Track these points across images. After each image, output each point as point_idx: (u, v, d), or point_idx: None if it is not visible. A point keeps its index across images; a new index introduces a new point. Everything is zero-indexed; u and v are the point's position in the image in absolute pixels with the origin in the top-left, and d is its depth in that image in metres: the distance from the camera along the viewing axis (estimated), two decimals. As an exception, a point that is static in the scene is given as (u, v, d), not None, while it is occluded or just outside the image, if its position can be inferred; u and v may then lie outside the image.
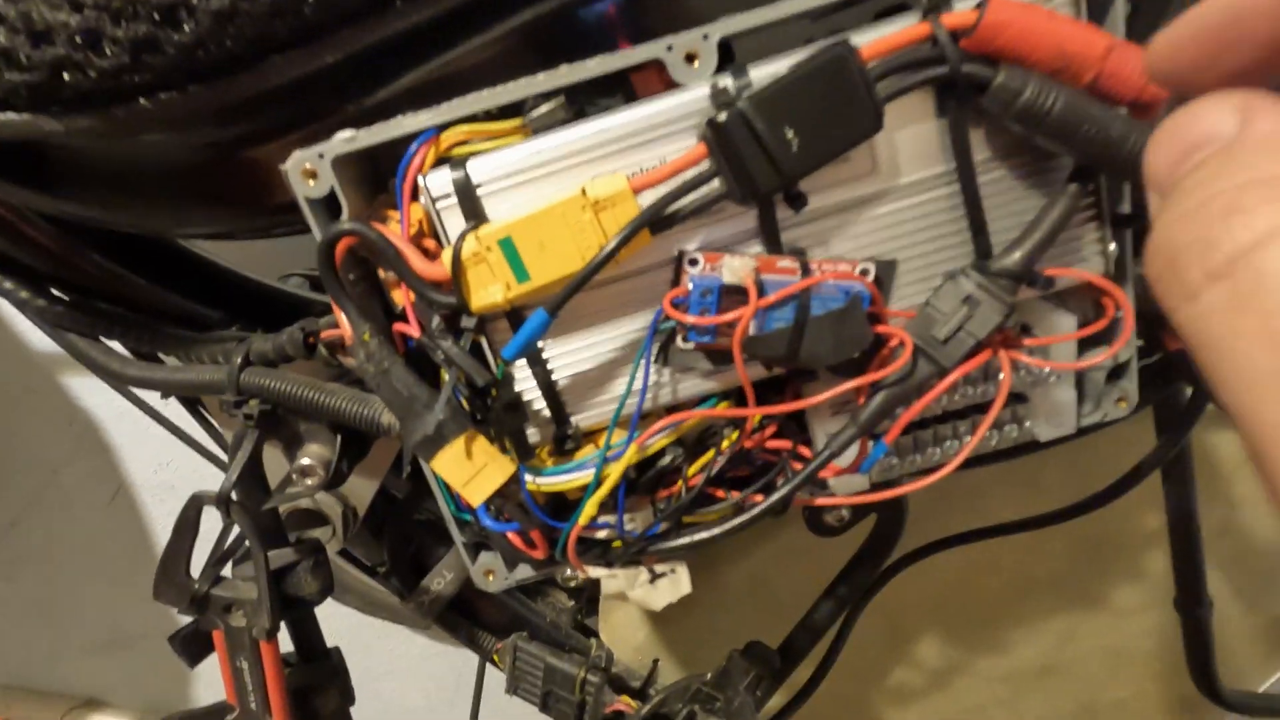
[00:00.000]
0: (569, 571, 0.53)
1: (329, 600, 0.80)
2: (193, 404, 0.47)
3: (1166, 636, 0.54)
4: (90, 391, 0.83)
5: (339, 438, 0.37)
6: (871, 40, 0.23)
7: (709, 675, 0.46)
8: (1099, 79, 0.22)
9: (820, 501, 0.29)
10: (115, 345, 0.44)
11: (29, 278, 0.42)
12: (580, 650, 0.53)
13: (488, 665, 0.66)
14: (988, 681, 0.60)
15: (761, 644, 0.45)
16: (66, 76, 0.24)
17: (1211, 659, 0.50)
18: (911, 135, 0.25)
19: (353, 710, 0.48)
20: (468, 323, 0.26)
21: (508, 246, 0.24)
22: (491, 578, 0.33)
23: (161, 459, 0.87)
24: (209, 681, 1.09)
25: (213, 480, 0.85)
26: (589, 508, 0.27)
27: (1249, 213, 0.14)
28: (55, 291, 0.43)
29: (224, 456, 0.52)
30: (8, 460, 0.88)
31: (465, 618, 0.55)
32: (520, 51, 0.30)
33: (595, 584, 0.56)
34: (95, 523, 0.89)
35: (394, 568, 0.52)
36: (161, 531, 0.89)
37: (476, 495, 0.27)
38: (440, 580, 0.52)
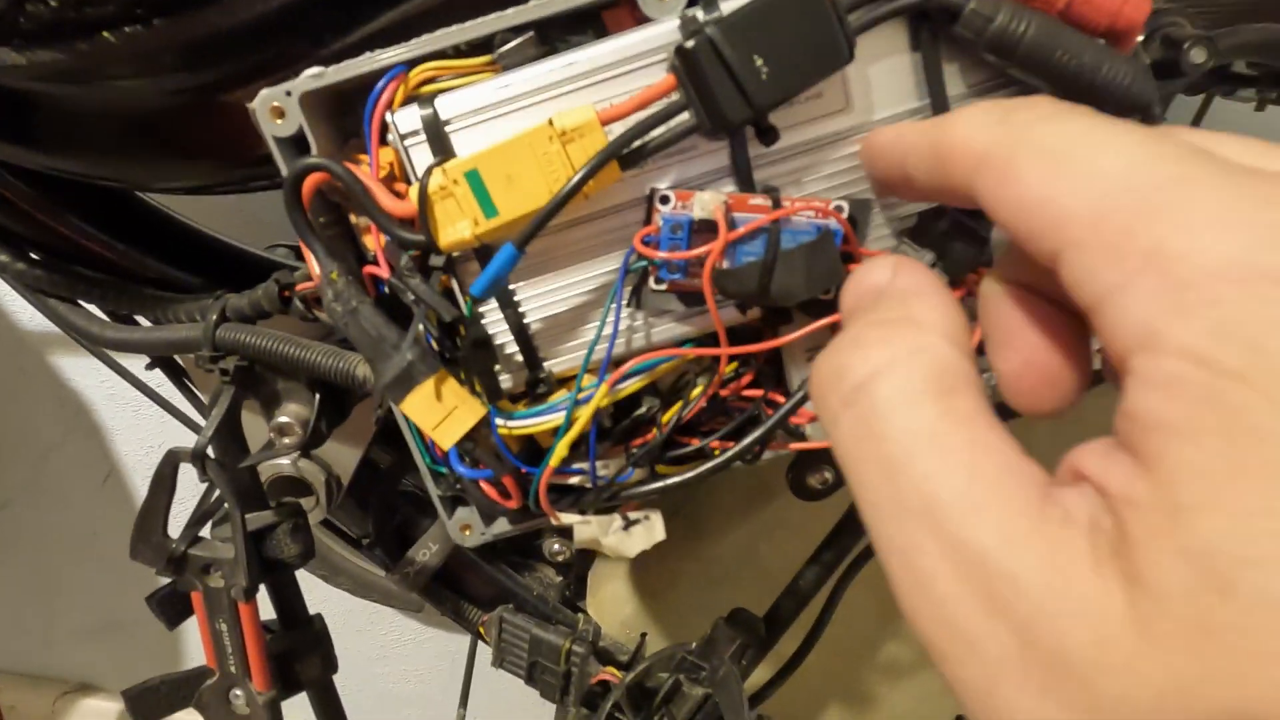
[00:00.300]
0: (556, 547, 0.52)
1: (321, 583, 0.80)
2: (175, 372, 0.47)
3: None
4: (82, 373, 0.83)
5: (317, 397, 0.37)
6: (843, -33, 0.23)
7: (694, 645, 0.46)
8: (1072, 5, 0.22)
9: (794, 447, 0.29)
10: (94, 310, 0.44)
11: (8, 241, 0.42)
12: (567, 624, 0.53)
13: (478, 646, 0.66)
14: (979, 657, 0.59)
15: (746, 611, 0.45)
16: (28, 6, 0.23)
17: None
18: (885, 69, 0.25)
19: (346, 695, 0.48)
20: (437, 261, 0.26)
21: (474, 180, 0.24)
22: (469, 533, 0.32)
23: (153, 441, 0.87)
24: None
25: (203, 460, 0.82)
26: (560, 449, 0.26)
27: (867, 347, 0.16)
28: (34, 256, 0.42)
29: (197, 416, 0.51)
30: (-1, 442, 0.88)
31: (452, 591, 0.54)
32: None
33: (583, 560, 0.55)
34: (87, 505, 0.89)
35: (378, 539, 0.51)
36: (153, 514, 0.89)
37: (447, 438, 0.26)
38: (426, 552, 0.52)
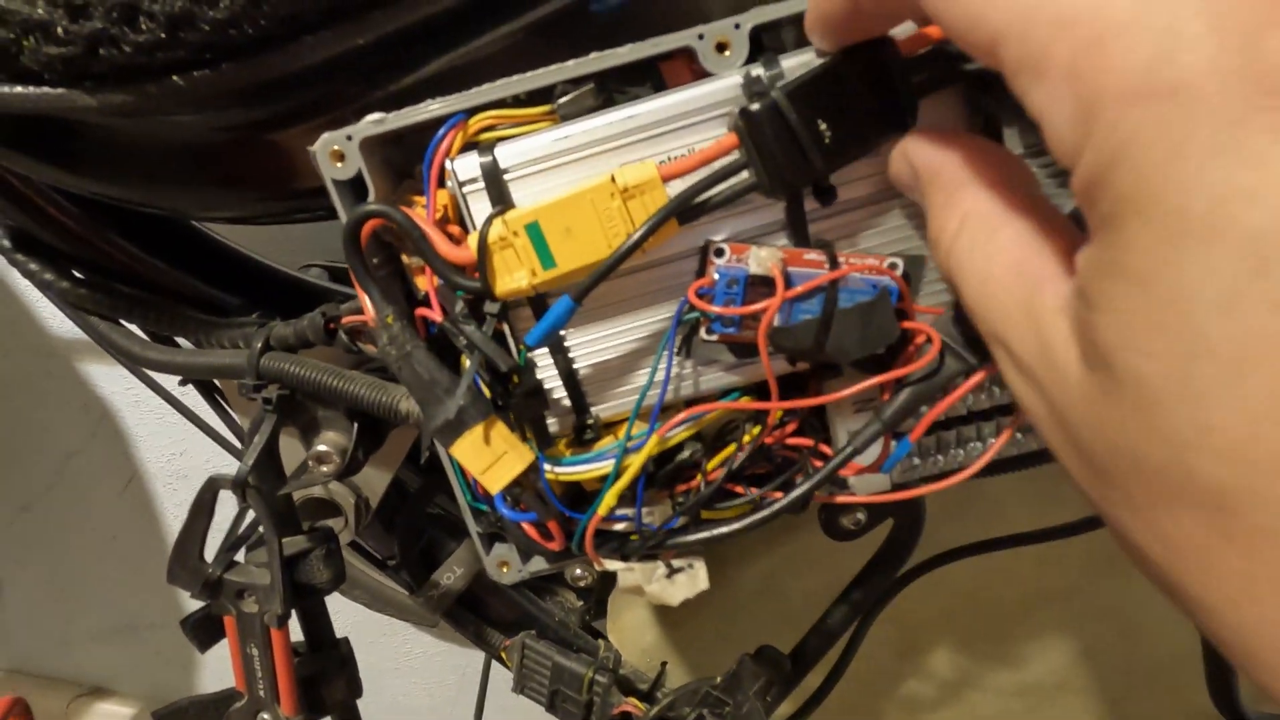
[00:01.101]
0: (579, 571, 0.52)
1: (337, 595, 0.80)
2: (209, 390, 0.47)
3: (1184, 653, 0.53)
4: (107, 379, 0.84)
5: (355, 425, 0.37)
6: (909, 33, 0.23)
7: (718, 679, 0.46)
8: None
9: (841, 499, 0.29)
10: (134, 329, 0.44)
11: (52, 259, 0.43)
12: (588, 650, 0.53)
13: (492, 664, 0.66)
14: (1001, 695, 0.59)
15: (773, 648, 0.45)
16: (101, 51, 0.24)
17: (1233, 677, 0.49)
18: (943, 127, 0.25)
19: (358, 704, 0.48)
20: (491, 308, 0.26)
21: (534, 232, 0.24)
22: (506, 569, 0.32)
23: (176, 448, 0.87)
24: (214, 671, 1.09)
25: (226, 468, 0.86)
26: (608, 498, 0.26)
27: (945, 227, 0.21)
28: (77, 273, 0.43)
29: (238, 444, 0.52)
30: (24, 445, 0.89)
31: (474, 614, 0.55)
32: (548, 40, 0.30)
33: (604, 585, 0.55)
34: (108, 509, 0.90)
35: (404, 561, 0.52)
36: (173, 520, 0.90)
37: (495, 483, 0.26)
38: (450, 575, 0.52)
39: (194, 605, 0.40)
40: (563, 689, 0.50)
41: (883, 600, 0.49)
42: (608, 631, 0.57)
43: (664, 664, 0.54)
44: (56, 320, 0.80)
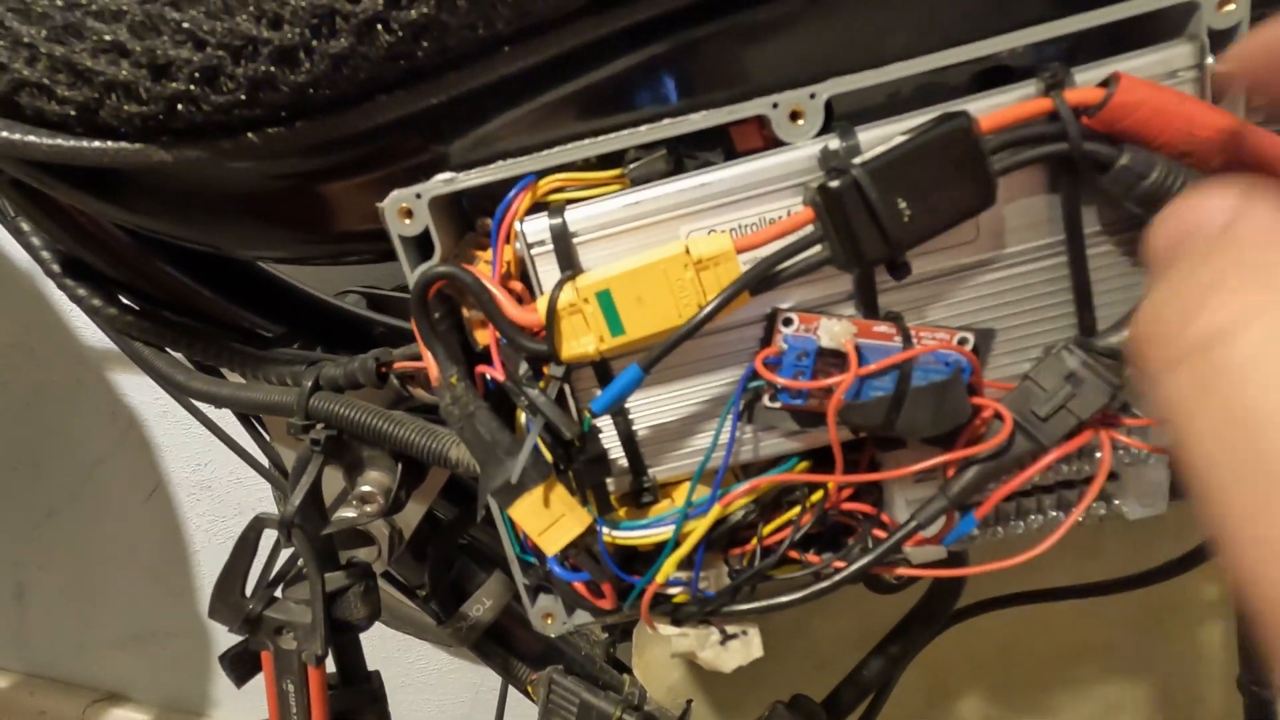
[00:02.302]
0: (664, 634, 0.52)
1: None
2: (247, 419, 0.47)
3: (1221, 715, 0.52)
4: (136, 389, 0.85)
5: (400, 466, 0.37)
6: (991, 112, 0.23)
7: (750, 725, 0.45)
8: (1228, 166, 0.22)
9: (900, 571, 0.28)
10: (179, 356, 0.44)
11: (100, 285, 0.43)
12: (614, 686, 0.53)
13: (508, 690, 0.66)
14: (1028, 745, 0.58)
15: (808, 698, 0.44)
16: (180, 108, 0.24)
17: (1274, 741, 0.48)
18: (1020, 207, 0.25)
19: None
20: (555, 371, 0.26)
21: (605, 299, 0.24)
22: (551, 621, 0.32)
23: (201, 459, 0.88)
24: (229, 683, 1.09)
25: (248, 484, 0.86)
26: (667, 566, 0.26)
27: (1226, 293, 0.14)
28: (124, 299, 0.43)
29: (263, 459, 0.52)
30: (51, 451, 0.89)
31: (500, 645, 0.54)
32: (611, 95, 0.30)
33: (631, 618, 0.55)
34: (131, 518, 0.90)
35: (434, 592, 0.51)
36: (195, 530, 0.90)
37: (552, 545, 0.26)
38: (480, 607, 0.52)
39: (220, 627, 0.40)
40: (589, 727, 0.50)
41: (920, 648, 0.48)
42: (633, 666, 0.56)
43: (689, 702, 0.53)
44: (89, 330, 0.81)
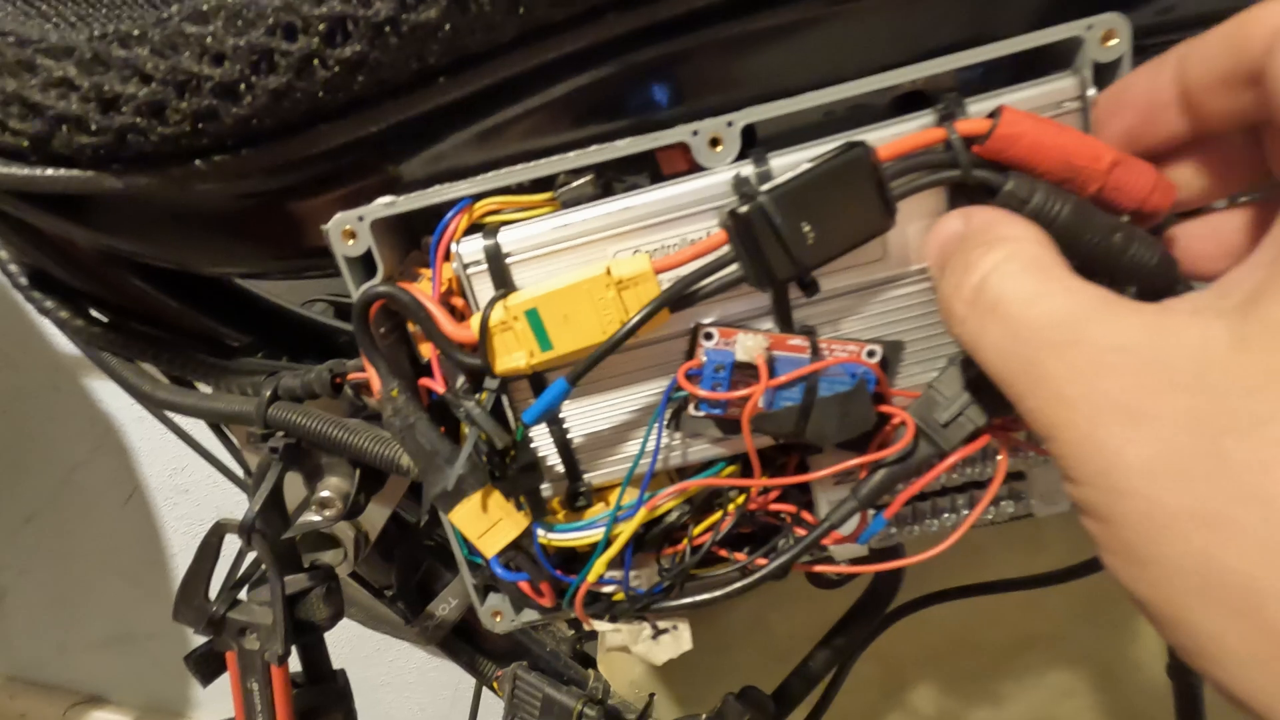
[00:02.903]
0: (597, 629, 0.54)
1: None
2: (216, 425, 0.49)
3: (1159, 699, 0.55)
4: (113, 395, 0.86)
5: (358, 472, 0.39)
6: (888, 141, 0.24)
7: (703, 716, 0.47)
8: (1103, 190, 0.24)
9: (819, 569, 0.30)
10: (149, 367, 0.45)
11: (69, 297, 0.44)
12: (578, 682, 0.54)
13: (483, 689, 0.67)
14: (981, 733, 0.60)
15: (757, 689, 0.46)
16: (130, 139, 0.25)
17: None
18: (923, 227, 0.27)
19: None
20: (490, 384, 0.27)
21: (533, 317, 0.26)
22: (499, 619, 0.34)
23: (177, 463, 0.89)
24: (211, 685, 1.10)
25: (225, 487, 0.87)
26: (598, 566, 0.28)
27: (974, 263, 0.22)
28: (93, 312, 0.44)
29: (237, 468, 0.53)
30: (29, 456, 0.90)
31: (467, 643, 0.56)
32: (561, 114, 0.31)
33: (596, 614, 0.57)
34: (109, 522, 0.91)
35: (400, 592, 0.53)
36: (173, 534, 0.91)
37: (490, 547, 0.28)
38: (445, 606, 0.53)
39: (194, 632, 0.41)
40: (552, 721, 0.51)
41: (867, 640, 0.50)
42: (598, 662, 0.58)
43: (651, 696, 0.55)
44: (65, 337, 0.82)
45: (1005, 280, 0.21)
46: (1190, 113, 0.22)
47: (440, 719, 1.02)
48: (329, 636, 0.46)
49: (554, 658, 0.57)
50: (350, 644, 0.96)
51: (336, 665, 0.47)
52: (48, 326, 0.83)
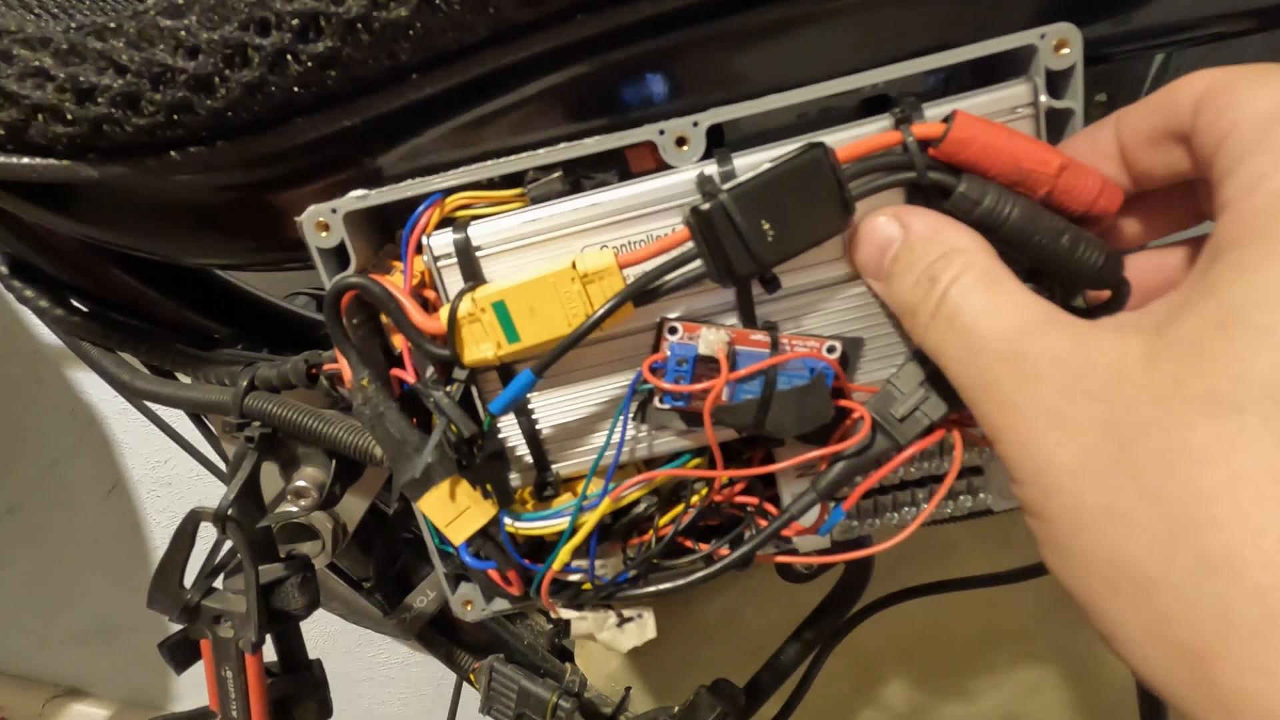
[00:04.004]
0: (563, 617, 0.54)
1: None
2: (196, 416, 0.49)
3: (1125, 695, 0.56)
4: (95, 387, 0.86)
5: (334, 462, 0.39)
6: (846, 143, 0.25)
7: (676, 709, 0.48)
8: (1052, 193, 0.24)
9: (780, 559, 0.31)
10: (128, 357, 0.46)
11: (49, 286, 0.44)
12: (555, 675, 0.55)
13: (464, 683, 0.68)
14: (952, 728, 0.61)
15: (728, 682, 0.47)
16: (105, 130, 0.26)
17: (1164, 715, 0.51)
18: (881, 227, 0.27)
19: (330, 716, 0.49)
20: (459, 374, 0.28)
21: (500, 309, 0.26)
22: (470, 608, 0.34)
23: (160, 455, 0.89)
24: (189, 676, 1.10)
25: (208, 480, 0.88)
26: (563, 554, 0.28)
27: (933, 278, 0.23)
28: (74, 302, 0.45)
29: (219, 462, 0.54)
30: (11, 448, 0.90)
31: (445, 636, 0.56)
32: (534, 111, 0.32)
33: (574, 609, 0.57)
34: (91, 514, 0.91)
35: (379, 584, 0.53)
36: (155, 526, 0.91)
37: (458, 535, 0.28)
38: (423, 599, 0.54)
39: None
40: (528, 713, 0.52)
41: (838, 636, 0.51)
42: (575, 655, 0.59)
43: (628, 689, 0.56)
44: (46, 327, 0.82)
45: (962, 293, 0.23)
46: (1128, 167, 0.24)
47: (421, 714, 1.02)
48: (311, 631, 0.46)
49: (531, 651, 0.58)
50: (331, 639, 0.96)
51: (317, 658, 0.47)
52: (30, 318, 0.83)
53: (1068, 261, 0.25)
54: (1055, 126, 0.27)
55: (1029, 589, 0.52)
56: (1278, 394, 0.16)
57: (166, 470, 0.88)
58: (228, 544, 0.42)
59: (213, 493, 0.89)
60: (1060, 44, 0.26)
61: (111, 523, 0.91)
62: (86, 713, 0.99)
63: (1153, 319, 0.19)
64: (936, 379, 0.27)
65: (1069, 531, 0.19)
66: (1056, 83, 0.27)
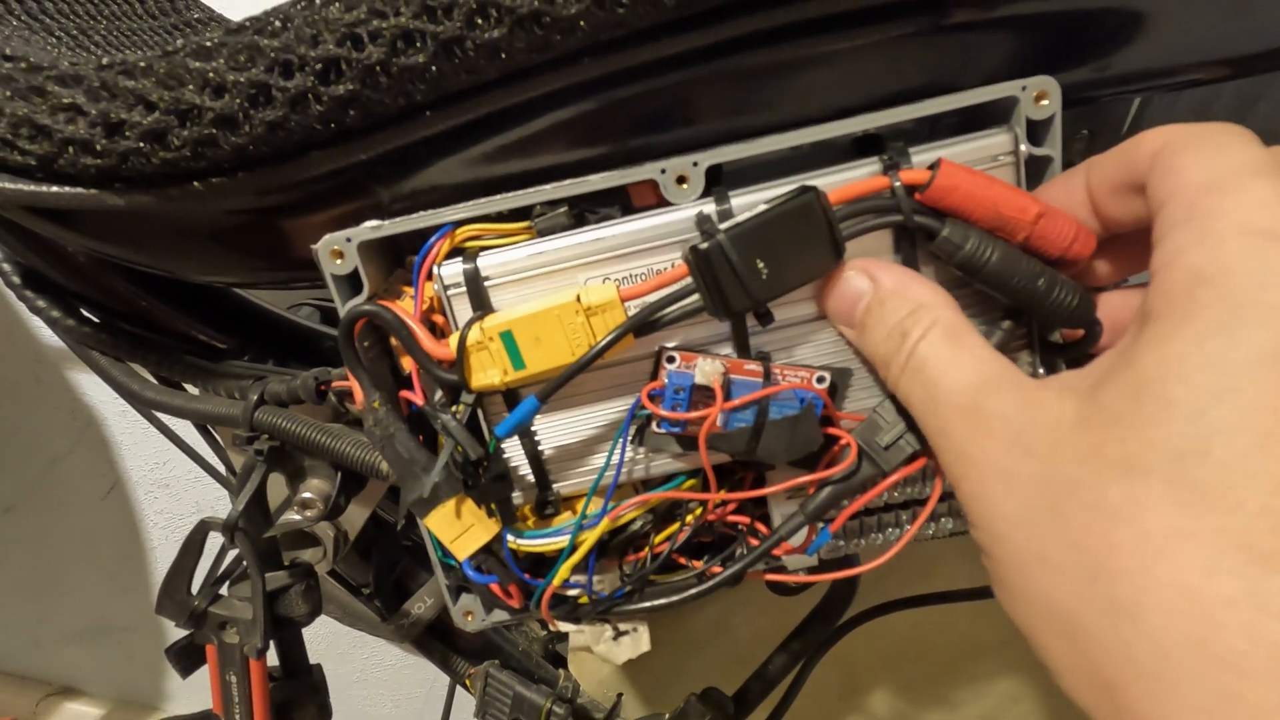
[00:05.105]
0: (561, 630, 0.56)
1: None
2: (202, 426, 0.50)
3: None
4: (95, 388, 0.86)
5: (339, 475, 0.40)
6: (837, 187, 0.27)
7: (667, 715, 0.49)
8: (1030, 239, 0.26)
9: (770, 577, 0.32)
10: (137, 367, 0.47)
11: (60, 297, 0.45)
12: (548, 681, 0.56)
13: (458, 687, 0.69)
14: (935, 737, 0.63)
15: (718, 690, 0.48)
16: (131, 161, 0.27)
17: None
18: (870, 264, 0.29)
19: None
20: (467, 398, 0.29)
21: (507, 338, 0.28)
22: (470, 618, 0.36)
23: (158, 457, 0.89)
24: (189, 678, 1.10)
25: (206, 483, 0.89)
26: (563, 571, 0.30)
27: (903, 335, 0.25)
28: (84, 311, 0.46)
29: (219, 465, 0.55)
30: (9, 448, 0.90)
31: (441, 641, 0.57)
32: (542, 144, 0.33)
33: (568, 616, 0.58)
34: (89, 514, 0.92)
35: (378, 590, 0.55)
36: (152, 528, 0.92)
37: (462, 551, 0.30)
38: (421, 605, 0.55)
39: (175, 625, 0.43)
40: (522, 718, 0.53)
41: (825, 646, 0.52)
42: (568, 662, 0.60)
43: (619, 696, 0.57)
44: (49, 329, 0.82)
45: (929, 348, 0.24)
46: (1098, 214, 0.26)
47: (413, 716, 1.03)
48: (307, 636, 0.47)
49: (525, 657, 0.59)
50: (326, 640, 0.97)
51: (312, 661, 0.48)
52: (31, 319, 0.84)
53: (1044, 302, 0.26)
54: (1035, 171, 0.28)
55: (1011, 602, 0.53)
56: (1180, 460, 0.18)
57: (164, 472, 0.89)
58: (233, 552, 0.43)
59: (210, 495, 0.90)
60: (1040, 95, 0.28)
61: (108, 523, 0.92)
62: (80, 712, 1.00)
63: (1088, 381, 0.21)
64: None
65: (1012, 574, 0.21)
66: (1036, 131, 0.28)
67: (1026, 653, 0.60)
